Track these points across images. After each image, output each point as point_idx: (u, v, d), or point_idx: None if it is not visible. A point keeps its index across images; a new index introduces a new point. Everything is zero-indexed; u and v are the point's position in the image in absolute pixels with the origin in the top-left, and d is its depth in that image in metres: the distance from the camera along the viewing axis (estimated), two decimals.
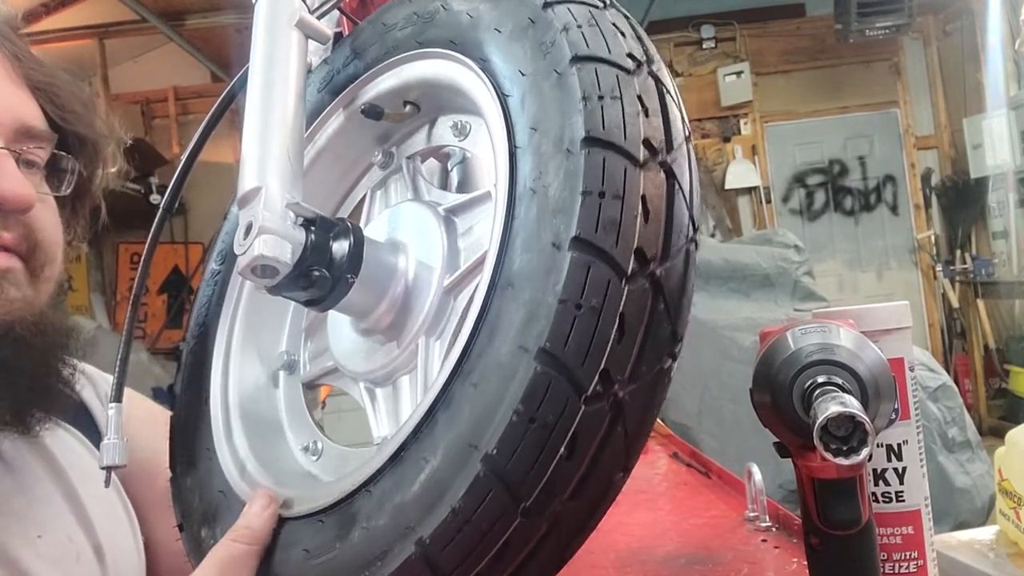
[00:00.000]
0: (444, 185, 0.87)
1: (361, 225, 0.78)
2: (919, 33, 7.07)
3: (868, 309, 0.67)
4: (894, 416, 0.65)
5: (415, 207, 0.72)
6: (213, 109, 0.81)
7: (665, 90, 0.57)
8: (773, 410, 0.58)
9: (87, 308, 6.77)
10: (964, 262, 6.93)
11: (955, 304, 6.94)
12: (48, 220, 0.87)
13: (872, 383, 0.56)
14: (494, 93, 0.61)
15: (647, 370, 0.51)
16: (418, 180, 0.77)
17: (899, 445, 0.67)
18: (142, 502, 0.97)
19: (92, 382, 1.02)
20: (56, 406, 0.87)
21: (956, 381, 5.56)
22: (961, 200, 6.91)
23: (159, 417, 0.89)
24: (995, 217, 6.63)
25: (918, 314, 6.89)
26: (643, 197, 0.52)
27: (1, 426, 0.80)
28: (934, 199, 7.17)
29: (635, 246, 0.51)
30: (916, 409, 0.68)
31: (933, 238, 7.07)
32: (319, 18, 0.74)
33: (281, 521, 0.64)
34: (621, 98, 0.54)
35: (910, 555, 0.67)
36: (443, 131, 0.74)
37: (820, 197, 7.24)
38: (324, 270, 0.63)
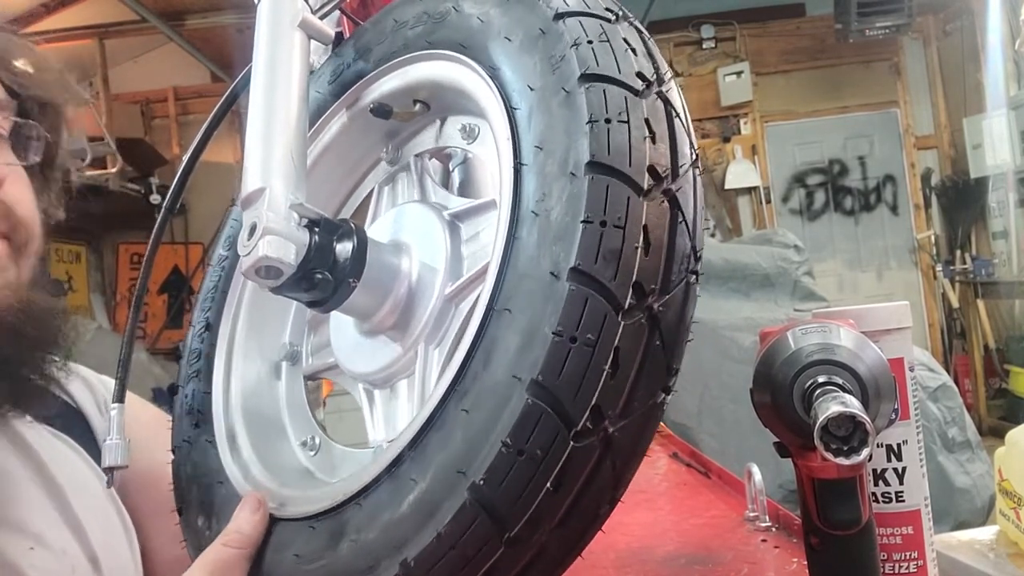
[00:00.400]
0: (445, 185, 0.87)
1: (367, 220, 0.78)
2: (919, 33, 7.07)
3: (868, 309, 0.67)
4: (894, 416, 0.65)
5: (421, 209, 0.71)
6: (215, 110, 0.81)
7: (674, 112, 0.56)
8: (773, 410, 0.58)
9: (87, 308, 6.76)
10: (964, 262, 6.93)
11: (955, 304, 6.94)
12: (22, 193, 0.84)
13: (872, 383, 0.56)
14: (502, 105, 0.60)
15: (639, 405, 0.51)
16: (425, 179, 0.77)
17: (899, 445, 0.67)
18: (139, 511, 0.95)
19: (90, 387, 0.99)
20: (43, 400, 0.84)
21: (956, 381, 5.56)
22: (961, 200, 6.91)
23: (161, 424, 0.87)
24: (995, 217, 6.63)
25: (918, 314, 6.89)
26: (645, 227, 0.51)
27: None
28: (934, 199, 7.17)
29: (634, 280, 0.50)
30: (916, 409, 0.68)
31: (933, 238, 7.07)
32: (321, 18, 0.74)
33: (274, 521, 0.64)
34: (628, 122, 0.53)
35: (910, 555, 0.67)
36: (452, 132, 0.74)
37: (820, 197, 7.24)
38: (327, 272, 0.63)
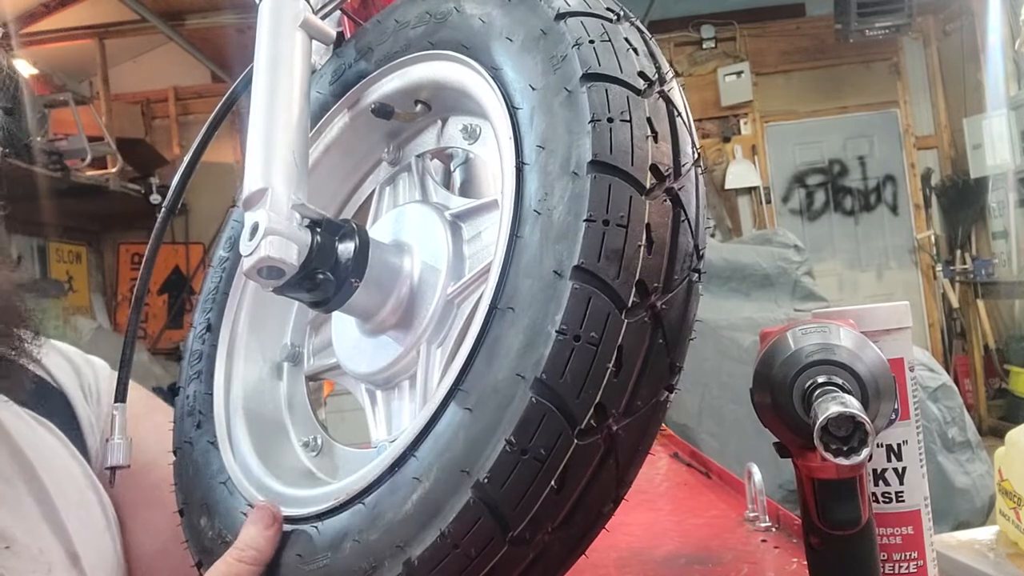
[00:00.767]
0: (447, 185, 0.87)
1: (369, 221, 0.78)
2: (919, 33, 7.08)
3: (868, 309, 0.67)
4: (894, 416, 0.65)
5: (422, 209, 0.71)
6: (216, 110, 0.81)
7: (676, 112, 0.56)
8: (773, 410, 0.58)
9: (87, 308, 6.76)
10: (964, 262, 6.93)
11: (955, 304, 6.95)
12: None
13: (872, 383, 0.56)
14: (504, 105, 0.60)
15: (642, 404, 0.51)
16: (426, 180, 0.77)
17: (899, 445, 0.67)
18: (125, 503, 0.92)
19: (74, 368, 0.95)
20: (19, 377, 0.80)
21: (956, 381, 5.56)
22: (961, 200, 6.91)
23: (148, 409, 0.84)
24: (995, 217, 6.63)
25: (918, 314, 6.89)
26: (647, 226, 0.51)
27: None
28: (934, 199, 7.17)
29: (637, 278, 0.50)
30: (916, 409, 0.68)
31: (933, 238, 7.08)
32: (322, 19, 0.74)
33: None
34: (630, 121, 0.53)
35: (910, 555, 0.67)
36: (453, 132, 0.74)
37: (820, 197, 7.25)
38: (329, 272, 0.63)
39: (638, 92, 0.55)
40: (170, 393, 0.85)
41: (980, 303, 6.75)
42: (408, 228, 0.71)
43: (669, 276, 0.52)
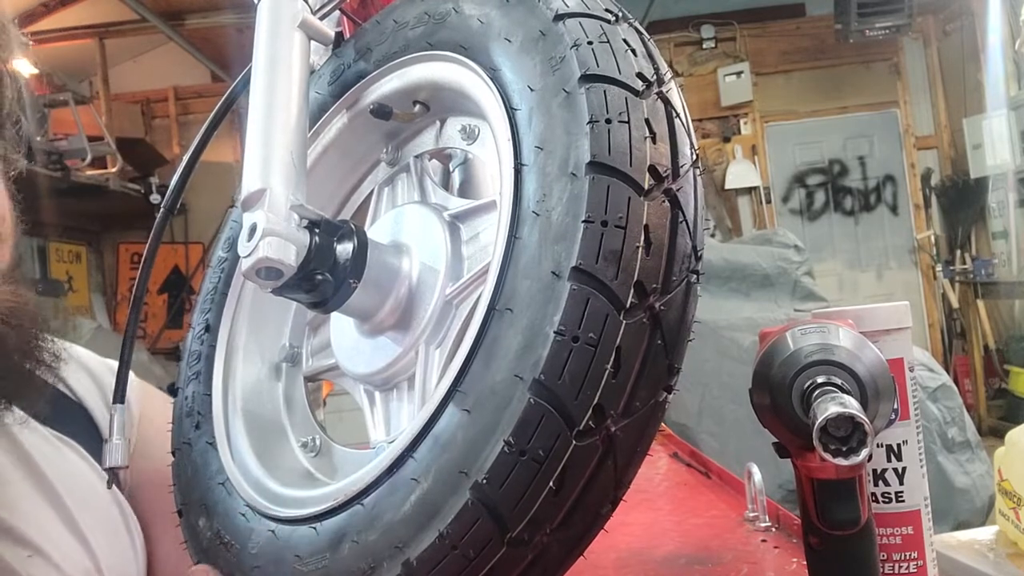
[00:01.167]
0: (445, 185, 0.87)
1: (367, 221, 0.78)
2: (919, 33, 7.08)
3: (868, 309, 0.67)
4: (894, 416, 0.65)
5: (421, 210, 0.71)
6: (215, 110, 0.81)
7: (674, 113, 0.56)
8: (772, 410, 0.58)
9: (87, 308, 6.77)
10: (964, 262, 6.93)
11: (955, 304, 6.95)
12: None
13: (871, 383, 0.56)
14: (503, 106, 0.60)
15: (641, 405, 0.51)
16: (425, 180, 0.77)
17: (899, 445, 0.67)
18: (149, 515, 0.91)
19: (94, 378, 0.94)
20: (40, 394, 0.80)
21: (956, 381, 5.57)
22: (961, 200, 6.91)
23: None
24: (995, 217, 6.63)
25: (918, 314, 6.89)
26: (646, 227, 0.51)
27: None
28: (934, 199, 7.18)
29: (635, 279, 0.50)
30: (916, 409, 0.68)
31: (933, 238, 7.08)
32: (321, 19, 0.74)
33: (276, 521, 0.64)
34: (629, 122, 0.53)
35: (910, 555, 0.67)
36: (452, 133, 0.74)
37: (820, 197, 7.25)
38: (328, 273, 0.63)
39: (636, 93, 0.55)
40: (169, 393, 0.85)
41: (980, 303, 6.75)
42: (407, 229, 0.71)
43: (667, 277, 0.52)
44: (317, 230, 0.63)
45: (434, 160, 0.86)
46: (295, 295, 0.65)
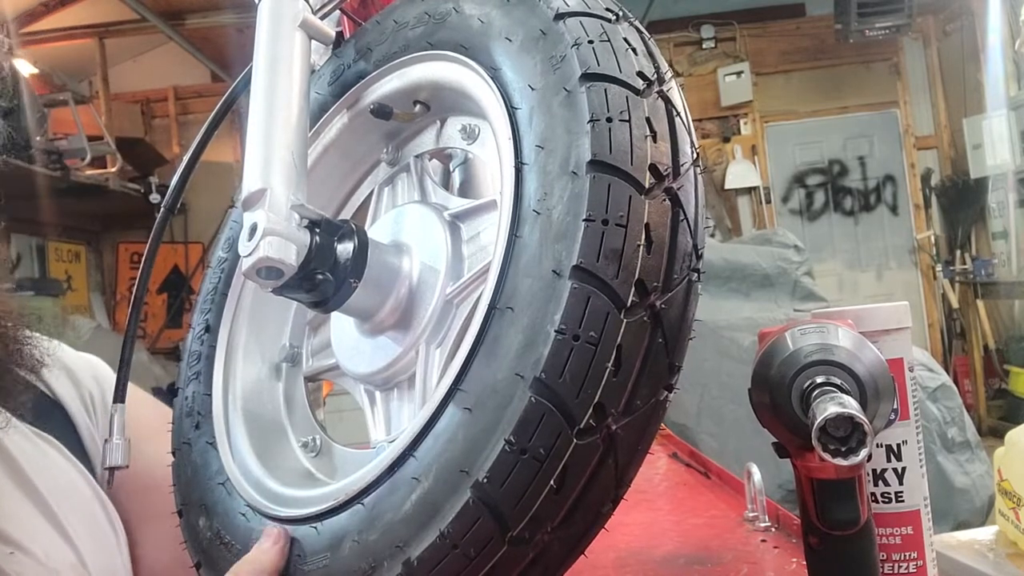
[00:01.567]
0: (446, 185, 0.87)
1: (368, 221, 0.78)
2: (919, 33, 7.07)
3: (868, 309, 0.67)
4: (893, 417, 0.65)
5: (421, 210, 0.72)
6: (216, 109, 0.81)
7: (675, 111, 0.57)
8: (772, 410, 0.58)
9: (86, 308, 6.76)
10: (964, 262, 6.93)
11: (955, 304, 6.95)
12: None
13: (871, 384, 0.56)
14: (503, 105, 0.60)
15: (642, 403, 0.51)
16: (425, 180, 0.77)
17: (898, 445, 0.67)
18: (133, 514, 0.91)
19: (73, 380, 0.93)
20: (23, 393, 0.80)
21: (956, 381, 5.56)
22: (961, 200, 6.91)
23: (163, 422, 0.83)
24: (995, 217, 6.63)
25: (918, 314, 6.89)
26: (647, 226, 0.51)
27: None
28: (934, 199, 7.17)
29: (636, 278, 0.50)
30: (915, 409, 0.68)
31: (933, 238, 7.07)
32: (322, 19, 0.74)
33: (277, 521, 0.64)
34: (629, 121, 0.54)
35: (909, 555, 0.67)
36: (452, 132, 0.74)
37: (820, 197, 7.25)
38: (328, 273, 0.63)
39: (637, 92, 0.55)
40: (169, 393, 0.85)
41: (980, 303, 6.75)
42: (407, 228, 0.71)
43: (668, 276, 0.52)
44: (318, 230, 0.63)
45: (434, 160, 0.86)
46: (296, 295, 0.65)
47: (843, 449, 0.52)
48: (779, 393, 0.57)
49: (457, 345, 0.62)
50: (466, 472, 0.50)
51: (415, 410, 0.66)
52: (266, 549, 0.61)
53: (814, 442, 0.52)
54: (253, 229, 0.60)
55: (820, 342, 0.58)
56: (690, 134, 0.57)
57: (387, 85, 0.75)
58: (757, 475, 1.08)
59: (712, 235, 6.72)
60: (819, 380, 0.56)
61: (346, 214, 0.84)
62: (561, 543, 0.52)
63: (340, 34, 0.86)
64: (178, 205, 0.81)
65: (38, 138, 5.00)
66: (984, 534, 1.19)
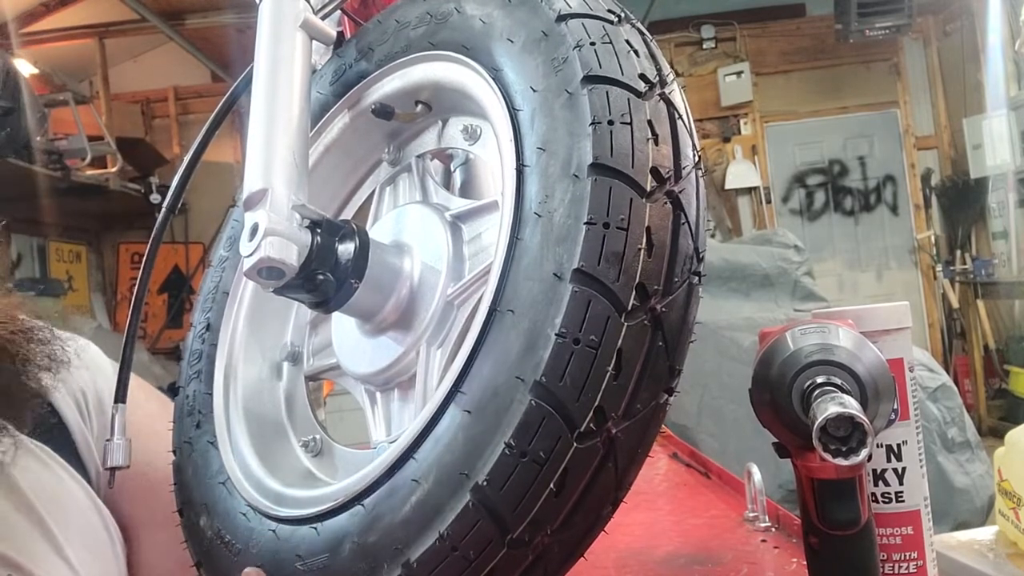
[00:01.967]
0: (447, 185, 0.87)
1: (369, 221, 0.78)
2: (919, 33, 7.07)
3: (868, 309, 0.67)
4: (893, 417, 0.65)
5: (422, 210, 0.72)
6: (217, 109, 0.81)
7: (676, 114, 0.56)
8: (772, 410, 0.58)
9: (87, 308, 6.76)
10: (964, 262, 6.93)
11: (955, 304, 6.94)
12: None
13: (871, 384, 0.56)
14: (505, 106, 0.60)
15: (642, 407, 0.51)
16: (427, 180, 0.77)
17: (898, 445, 0.67)
18: (132, 520, 0.89)
19: (64, 377, 0.88)
20: (26, 413, 0.78)
21: (956, 381, 5.56)
22: (961, 200, 6.91)
23: (162, 421, 0.82)
24: (995, 217, 6.63)
25: (918, 314, 6.89)
26: (648, 229, 0.51)
27: None
28: (934, 199, 7.17)
29: (637, 281, 0.50)
30: (916, 409, 0.68)
31: (933, 238, 7.07)
32: (323, 19, 0.74)
33: (277, 521, 0.64)
34: (631, 123, 0.53)
35: (910, 555, 0.67)
36: (454, 133, 0.74)
37: (820, 197, 7.24)
38: (329, 273, 0.63)
39: (639, 94, 0.55)
40: (170, 393, 0.85)
41: (980, 303, 6.75)
42: (408, 229, 0.71)
43: (669, 279, 0.52)
44: (319, 230, 0.63)
45: (435, 160, 0.86)
46: (297, 295, 0.65)
47: (844, 449, 0.52)
48: (780, 393, 0.57)
49: (458, 346, 0.62)
50: (466, 475, 0.50)
51: (415, 411, 0.66)
52: None
53: (815, 442, 0.52)
54: (254, 229, 0.60)
55: (821, 342, 0.58)
56: (692, 136, 0.57)
57: (389, 85, 0.75)
58: (757, 475, 1.08)
59: (712, 235, 6.72)
60: (820, 380, 0.56)
61: (348, 213, 0.84)
62: (561, 546, 0.52)
63: (341, 34, 0.86)
64: (179, 205, 0.81)
65: (38, 138, 5.00)
66: (984, 534, 1.19)
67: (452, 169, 0.88)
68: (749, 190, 7.14)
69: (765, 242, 4.83)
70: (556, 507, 0.50)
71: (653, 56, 0.59)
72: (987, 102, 6.34)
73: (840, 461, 0.52)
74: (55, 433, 0.86)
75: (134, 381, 0.78)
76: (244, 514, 0.68)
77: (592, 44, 0.57)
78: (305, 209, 0.63)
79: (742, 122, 7.18)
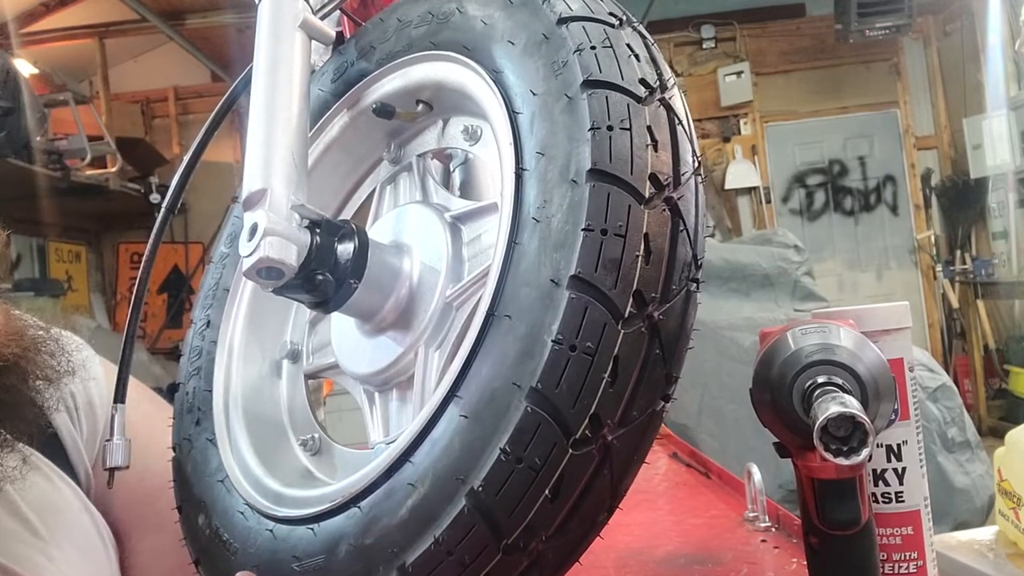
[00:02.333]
0: (446, 185, 0.87)
1: (369, 220, 0.78)
2: (919, 33, 7.07)
3: (868, 309, 0.67)
4: (894, 416, 0.65)
5: (422, 210, 0.71)
6: (216, 109, 0.81)
7: (676, 120, 0.56)
8: (773, 410, 0.58)
9: (87, 308, 6.76)
10: (964, 262, 6.93)
11: (955, 304, 6.95)
12: None
13: (872, 383, 0.56)
14: (505, 109, 0.60)
15: (638, 414, 0.51)
16: (427, 180, 0.77)
17: (899, 445, 0.67)
18: (126, 524, 0.89)
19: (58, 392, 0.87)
20: (29, 426, 0.77)
21: (956, 381, 5.56)
22: (961, 200, 6.91)
23: (156, 424, 0.82)
24: (995, 217, 6.63)
25: (918, 314, 6.89)
26: (646, 236, 0.51)
27: None
28: (934, 199, 7.17)
29: (634, 288, 0.50)
30: (916, 409, 0.68)
31: (933, 238, 7.07)
32: (322, 19, 0.74)
33: (274, 521, 0.64)
34: (630, 129, 0.53)
35: (910, 555, 0.67)
36: (454, 133, 0.74)
37: (820, 197, 7.25)
38: (328, 273, 0.63)
39: (639, 100, 0.55)
40: (170, 393, 0.85)
41: (980, 303, 6.75)
42: (408, 229, 0.71)
43: (667, 286, 0.52)
44: (318, 230, 0.63)
45: (435, 160, 0.86)
46: (296, 295, 0.65)
47: (844, 449, 0.52)
48: (780, 393, 0.57)
49: (456, 349, 0.62)
50: (462, 480, 0.50)
51: (413, 412, 0.66)
52: None
53: (815, 442, 0.52)
54: (254, 229, 0.60)
55: (821, 342, 0.58)
56: (692, 142, 0.57)
57: (390, 84, 0.75)
58: (757, 475, 1.08)
59: (712, 235, 6.71)
60: (820, 380, 0.56)
61: (348, 212, 0.84)
62: (556, 552, 0.52)
63: (340, 34, 0.86)
64: (178, 205, 0.81)
65: (38, 138, 5.00)
66: (984, 534, 1.19)
67: (452, 169, 0.88)
68: (749, 190, 7.14)
69: (765, 242, 4.83)
70: (551, 513, 0.50)
71: (654, 60, 0.58)
72: (987, 102, 6.34)
73: (841, 461, 0.52)
74: (46, 440, 0.85)
75: (130, 394, 0.78)
76: (242, 513, 0.67)
77: (592, 48, 0.56)
78: (304, 209, 0.63)
79: (742, 122, 7.18)
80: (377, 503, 0.56)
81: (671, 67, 0.60)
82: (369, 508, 0.56)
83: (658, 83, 0.57)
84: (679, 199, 0.54)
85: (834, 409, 0.51)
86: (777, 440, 0.60)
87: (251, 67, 0.71)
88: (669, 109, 0.56)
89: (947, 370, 6.29)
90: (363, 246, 0.64)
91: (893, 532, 0.67)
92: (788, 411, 0.57)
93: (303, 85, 0.70)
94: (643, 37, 0.60)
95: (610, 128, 0.53)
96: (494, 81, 0.62)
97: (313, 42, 0.74)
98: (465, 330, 0.59)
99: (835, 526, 0.59)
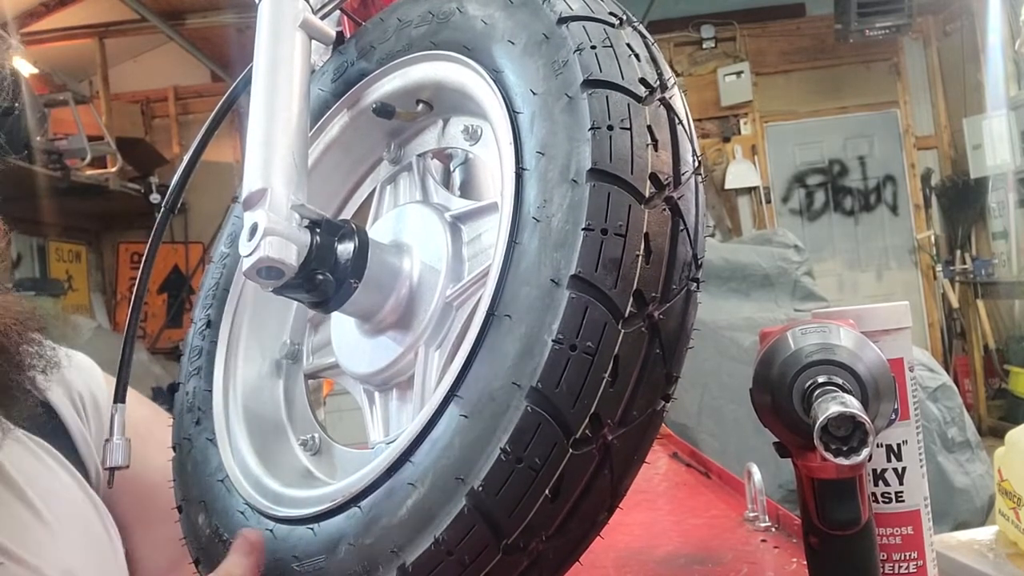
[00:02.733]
0: (446, 184, 0.87)
1: (369, 220, 0.78)
2: (919, 33, 7.07)
3: (868, 309, 0.67)
4: (894, 416, 0.65)
5: (422, 210, 0.71)
6: (216, 109, 0.80)
7: (677, 119, 0.56)
8: (773, 410, 0.58)
9: (87, 308, 6.76)
10: (964, 262, 6.93)
11: (955, 304, 6.95)
12: None
13: (872, 383, 0.56)
14: (505, 108, 0.60)
15: (638, 414, 0.51)
16: (427, 180, 0.77)
17: (899, 445, 0.67)
18: (128, 518, 0.90)
19: (60, 377, 0.88)
20: (21, 405, 0.77)
21: (956, 381, 5.56)
22: (961, 200, 6.91)
23: (156, 424, 0.82)
24: (995, 217, 6.63)
25: (918, 314, 6.89)
26: (646, 235, 0.51)
27: None
28: (934, 199, 7.17)
29: (634, 288, 0.50)
30: (916, 409, 0.68)
31: (933, 238, 7.08)
32: (322, 19, 0.74)
33: (275, 521, 0.64)
34: (631, 129, 0.53)
35: (910, 555, 0.67)
36: (455, 132, 0.74)
37: (820, 197, 7.25)
38: (328, 273, 0.63)
39: (639, 99, 0.55)
40: (170, 393, 0.85)
41: (980, 303, 6.75)
42: (408, 228, 0.71)
43: (667, 286, 0.52)
44: (318, 230, 0.63)
45: (435, 159, 0.86)
46: (296, 295, 0.65)
47: (844, 449, 0.52)
48: (780, 393, 0.57)
49: (456, 349, 0.62)
50: (462, 479, 0.50)
51: (413, 412, 0.66)
52: (239, 562, 0.61)
53: (816, 441, 0.52)
54: (254, 229, 0.60)
55: (821, 342, 0.58)
56: (692, 142, 0.57)
57: (390, 84, 0.75)
58: (757, 475, 1.08)
59: (712, 235, 6.71)
60: (820, 380, 0.56)
61: (348, 211, 0.84)
62: (556, 552, 0.52)
63: (340, 34, 0.86)
64: (178, 205, 0.81)
65: (38, 138, 5.00)
66: (984, 534, 1.19)
67: (452, 169, 0.88)
68: (749, 190, 7.14)
69: (765, 242, 4.83)
70: (551, 513, 0.50)
71: (654, 60, 0.58)
72: (987, 102, 6.34)
73: (841, 461, 0.52)
74: (53, 431, 0.87)
75: (130, 392, 0.78)
76: (242, 512, 0.68)
77: (593, 48, 0.56)
78: (304, 209, 0.63)
79: (742, 122, 7.18)
80: (377, 503, 0.55)
81: (671, 67, 0.60)
82: (369, 508, 0.56)
83: (658, 83, 0.57)
84: (679, 199, 0.54)
85: (834, 409, 0.51)
86: (777, 440, 0.60)
87: (251, 67, 0.71)
88: (669, 109, 0.56)
89: (947, 370, 6.29)
90: (363, 246, 0.64)
91: (893, 532, 0.67)
92: (788, 411, 0.57)
93: (303, 85, 0.70)
94: (643, 37, 0.60)
95: (610, 128, 0.53)
96: (494, 81, 0.62)
97: (313, 42, 0.74)
98: (465, 330, 0.59)
99: (835, 526, 0.59)
